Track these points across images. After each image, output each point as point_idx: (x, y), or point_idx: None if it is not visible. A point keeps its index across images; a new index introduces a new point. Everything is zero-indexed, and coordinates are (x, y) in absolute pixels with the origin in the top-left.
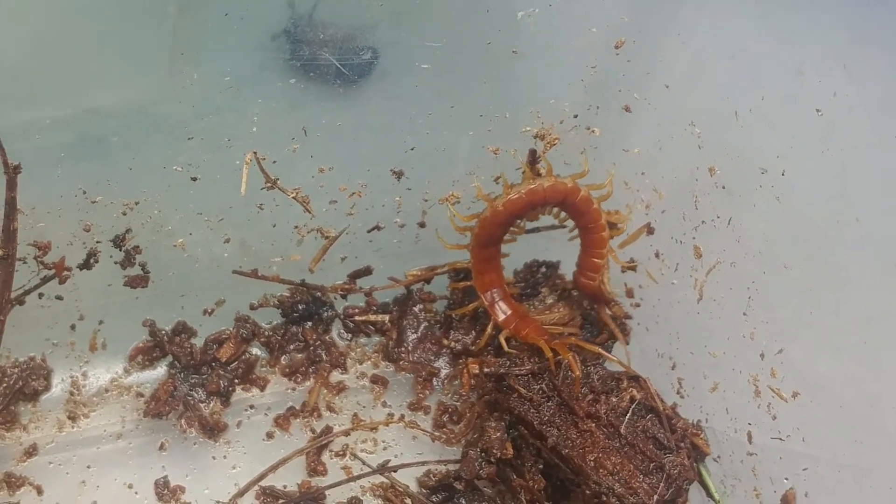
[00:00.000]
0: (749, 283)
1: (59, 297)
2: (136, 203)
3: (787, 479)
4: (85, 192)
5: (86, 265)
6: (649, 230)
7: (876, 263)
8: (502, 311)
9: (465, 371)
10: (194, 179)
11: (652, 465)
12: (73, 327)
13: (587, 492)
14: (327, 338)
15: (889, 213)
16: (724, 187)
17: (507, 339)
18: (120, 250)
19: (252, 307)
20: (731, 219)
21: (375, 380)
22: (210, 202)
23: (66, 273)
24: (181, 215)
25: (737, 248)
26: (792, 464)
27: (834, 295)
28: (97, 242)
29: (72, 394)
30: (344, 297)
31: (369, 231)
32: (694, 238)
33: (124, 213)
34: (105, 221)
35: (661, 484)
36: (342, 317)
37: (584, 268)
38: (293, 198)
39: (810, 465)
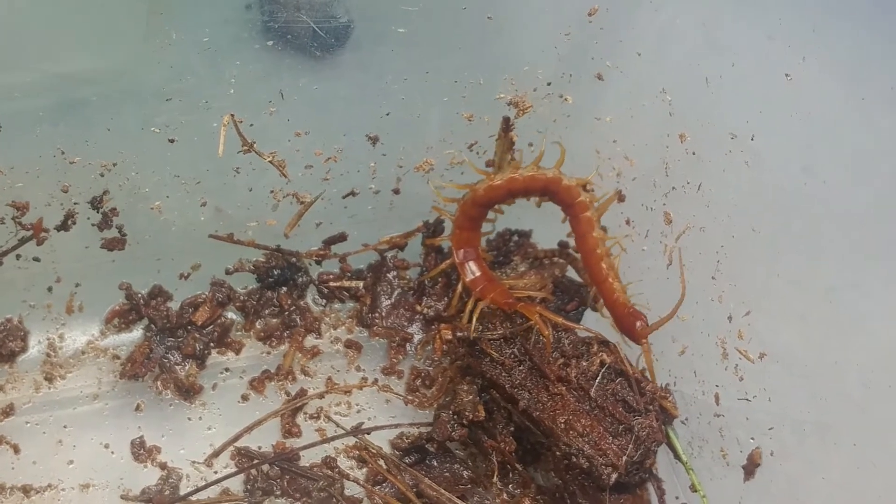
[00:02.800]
0: (718, 247)
1: (36, 259)
2: (114, 164)
3: (753, 438)
4: (63, 153)
5: (63, 227)
6: (620, 197)
7: (842, 227)
8: (471, 272)
9: (437, 336)
10: (171, 141)
11: (621, 427)
12: (49, 289)
13: (557, 453)
14: (302, 303)
15: (856, 177)
16: (694, 153)
17: (477, 306)
18: (97, 212)
19: (227, 272)
20: (701, 184)
21: (349, 344)
22: (187, 165)
23: (43, 234)
24: (158, 178)
25: (706, 213)
26: (758, 424)
27: (801, 258)
28: (75, 204)
29: (48, 355)
30: (318, 262)
31: (344, 197)
32: (664, 204)
33: (102, 175)
34: (83, 183)
35: (630, 445)
36: (317, 282)
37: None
38: (269, 162)
39: (776, 425)
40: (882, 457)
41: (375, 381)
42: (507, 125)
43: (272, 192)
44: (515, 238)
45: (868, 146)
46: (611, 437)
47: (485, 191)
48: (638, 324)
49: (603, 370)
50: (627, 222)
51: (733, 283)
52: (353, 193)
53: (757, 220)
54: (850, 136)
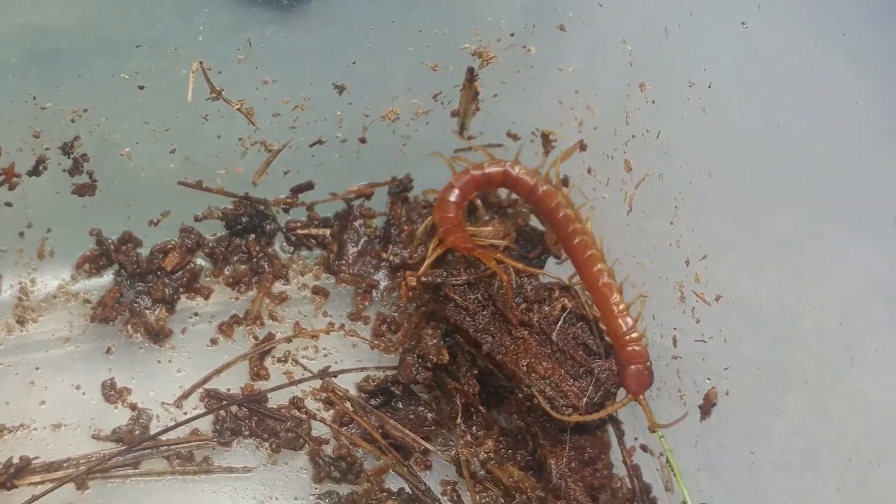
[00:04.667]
0: (676, 193)
1: (8, 204)
2: (85, 111)
3: (709, 379)
4: (35, 99)
5: (35, 172)
6: (582, 147)
7: (799, 175)
8: (446, 209)
9: (403, 283)
10: (141, 88)
11: (581, 369)
12: (21, 234)
13: (520, 395)
14: (270, 250)
15: (812, 125)
16: (653, 102)
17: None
18: (68, 158)
19: (196, 219)
20: (660, 132)
21: (317, 291)
22: (156, 112)
23: (15, 179)
24: (128, 124)
25: (665, 160)
26: (714, 365)
27: (757, 204)
28: (46, 150)
29: (20, 299)
30: (286, 210)
31: (311, 145)
32: (625, 153)
33: (73, 121)
34: (54, 129)
35: (591, 387)
36: (284, 230)
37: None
38: (237, 109)
39: (732, 366)
40: (833, 395)
41: (342, 327)
42: (471, 76)
43: (240, 139)
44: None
45: (824, 94)
46: (572, 380)
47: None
48: (633, 368)
49: (564, 315)
50: (589, 171)
51: (691, 229)
52: (320, 142)
53: (714, 166)
54: (806, 83)
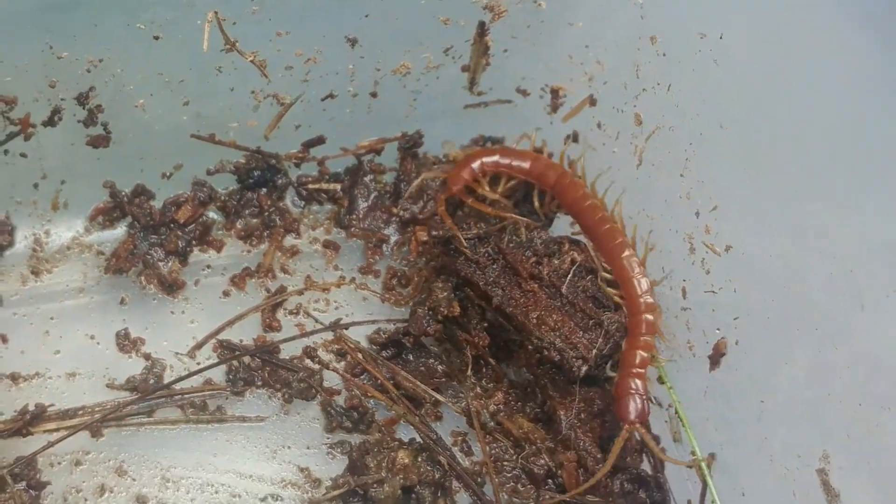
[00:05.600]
0: (686, 145)
1: (23, 155)
2: (100, 61)
3: (718, 329)
4: (51, 48)
5: (50, 122)
6: (592, 101)
7: (807, 122)
8: (462, 171)
9: (413, 238)
10: (156, 38)
11: (591, 321)
12: (35, 186)
13: (529, 347)
14: (281, 204)
15: (824, 73)
16: (664, 55)
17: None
18: (83, 108)
19: (209, 172)
20: (671, 85)
21: (327, 245)
22: (171, 63)
23: (30, 130)
24: (142, 76)
25: (675, 112)
26: (723, 315)
27: (768, 154)
28: (61, 100)
29: (35, 250)
30: (297, 165)
31: (323, 99)
32: (635, 106)
33: (88, 71)
34: (70, 79)
35: (600, 339)
36: (295, 184)
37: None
38: (251, 61)
39: (741, 315)
40: (843, 343)
41: (353, 280)
42: (481, 30)
43: (253, 92)
44: (489, 145)
45: (836, 44)
46: (581, 332)
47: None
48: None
49: (574, 268)
50: (598, 126)
51: (701, 181)
52: (331, 96)
53: (725, 117)
54: (819, 34)
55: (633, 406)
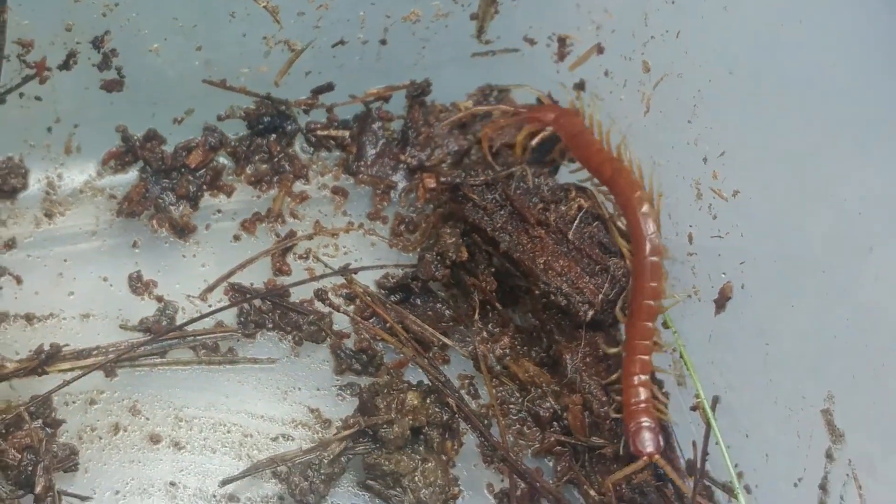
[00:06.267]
0: (695, 92)
1: (38, 98)
2: (116, 4)
3: (724, 274)
4: None
5: (65, 66)
6: (599, 50)
7: (816, 67)
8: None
9: (420, 185)
10: None
11: (597, 267)
12: (49, 130)
13: (536, 292)
14: (290, 150)
15: (830, 16)
16: (673, 2)
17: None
18: (98, 52)
19: (219, 118)
20: (680, 32)
21: (336, 191)
22: (185, 8)
23: (46, 73)
24: (157, 19)
25: (684, 59)
26: (730, 260)
27: (775, 98)
28: (77, 43)
29: (48, 193)
30: (307, 112)
31: (333, 46)
32: (643, 54)
33: (104, 15)
34: (85, 22)
35: (606, 284)
36: (305, 131)
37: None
38: (263, 7)
39: (748, 259)
40: (852, 284)
41: (361, 226)
42: None
43: (265, 38)
44: (495, 94)
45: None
46: (587, 277)
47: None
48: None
49: (580, 214)
50: (606, 74)
51: (709, 127)
52: (342, 42)
53: (733, 63)
54: None
55: (649, 438)
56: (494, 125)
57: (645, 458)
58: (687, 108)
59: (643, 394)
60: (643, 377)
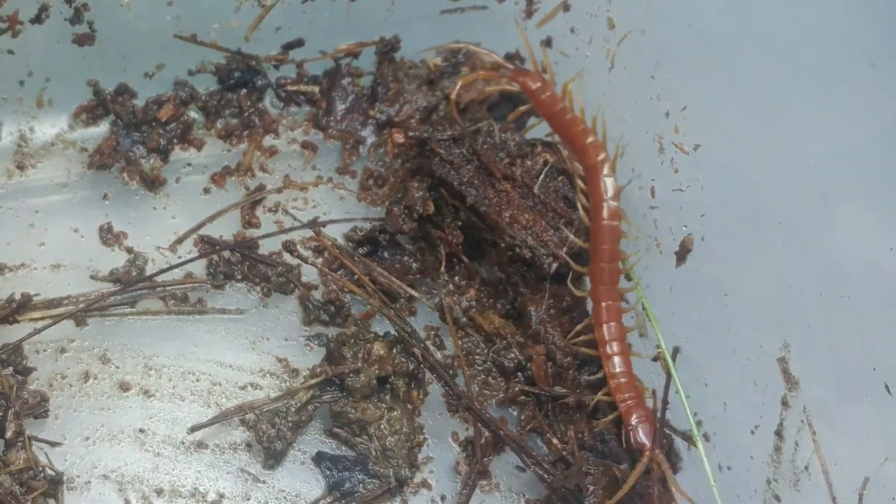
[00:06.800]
0: (658, 48)
1: (10, 52)
2: None
3: (685, 226)
4: None
5: (37, 20)
6: (566, 7)
7: (777, 19)
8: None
9: (389, 140)
10: None
11: (562, 220)
12: (21, 83)
13: (502, 245)
14: (260, 105)
15: None
16: None
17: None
18: (70, 6)
19: (190, 73)
20: None
21: (305, 145)
22: None
23: (18, 27)
24: None
25: (647, 16)
26: (690, 212)
27: (737, 52)
28: None
29: (20, 146)
30: (277, 67)
31: (303, 2)
32: (608, 11)
33: None
34: None
35: (570, 237)
36: (274, 86)
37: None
38: None
39: (707, 212)
40: (808, 234)
41: (330, 180)
42: None
43: None
44: (464, 50)
45: None
46: (552, 230)
47: None
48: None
49: (546, 169)
50: (572, 30)
51: (671, 82)
52: None
53: (696, 19)
54: None
55: (645, 433)
56: (468, 79)
57: (647, 453)
58: (650, 64)
59: (619, 364)
60: (616, 345)
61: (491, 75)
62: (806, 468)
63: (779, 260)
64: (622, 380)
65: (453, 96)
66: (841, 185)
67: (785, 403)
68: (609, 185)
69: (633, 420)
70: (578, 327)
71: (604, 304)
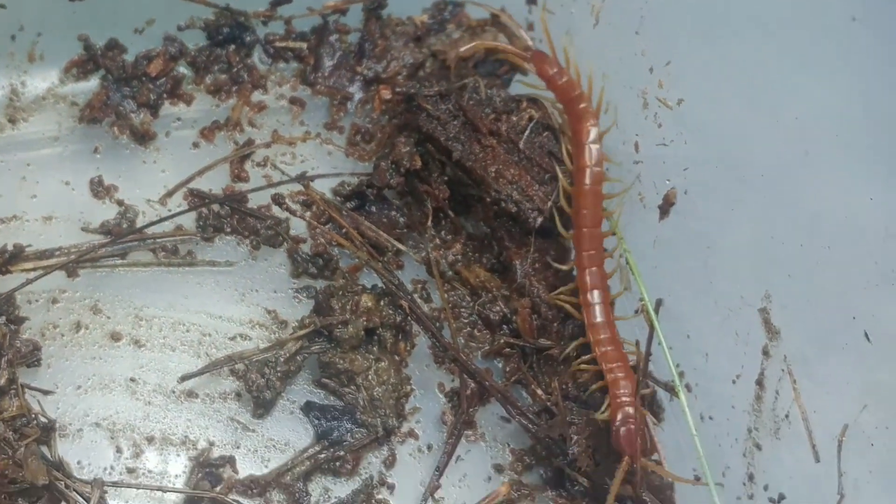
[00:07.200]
0: (642, 3)
1: (2, 6)
2: None
3: (668, 180)
4: None
5: None
6: None
7: None
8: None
9: (376, 96)
10: None
11: (547, 175)
12: (13, 38)
13: (488, 200)
14: (249, 61)
15: None
16: None
17: None
18: None
19: (179, 28)
20: None
21: (294, 101)
22: None
23: None
24: None
25: None
26: (674, 166)
27: (720, 8)
28: None
29: (11, 100)
30: (265, 23)
31: None
32: None
33: None
34: None
35: (555, 192)
36: (263, 42)
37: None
38: None
39: (691, 166)
40: (790, 186)
41: (318, 135)
42: None
43: None
44: (450, 8)
45: None
46: (537, 185)
47: None
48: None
49: (531, 124)
50: None
51: (655, 37)
52: None
53: None
54: None
55: (628, 435)
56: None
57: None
58: (634, 20)
59: (603, 330)
60: (599, 309)
61: (509, 50)
62: (786, 416)
63: (761, 212)
64: (608, 348)
65: (463, 52)
66: (822, 138)
67: (766, 353)
68: (595, 150)
69: (618, 422)
70: (563, 288)
71: (588, 270)
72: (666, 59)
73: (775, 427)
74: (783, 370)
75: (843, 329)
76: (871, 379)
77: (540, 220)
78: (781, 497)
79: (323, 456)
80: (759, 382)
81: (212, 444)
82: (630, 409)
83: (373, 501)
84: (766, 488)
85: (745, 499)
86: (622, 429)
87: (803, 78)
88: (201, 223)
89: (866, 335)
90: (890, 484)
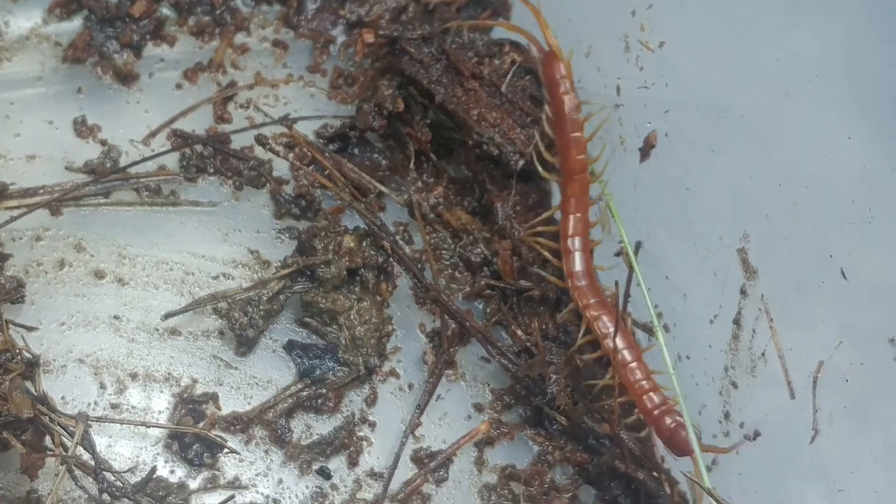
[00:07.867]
0: None
1: None
2: None
3: (649, 123)
4: None
5: None
6: None
7: None
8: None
9: (359, 40)
10: None
11: (529, 119)
12: None
13: (470, 143)
14: (232, 3)
15: None
16: None
17: None
18: None
19: None
20: None
21: (277, 43)
22: None
23: None
24: None
25: None
26: (655, 109)
27: None
28: None
29: None
30: None
31: None
32: None
33: None
34: None
35: (537, 135)
36: None
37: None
38: None
39: (671, 108)
40: (769, 127)
41: (301, 78)
42: None
43: None
44: None
45: None
46: (519, 128)
47: None
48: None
49: (514, 68)
50: None
51: None
52: None
53: None
54: None
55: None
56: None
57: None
58: None
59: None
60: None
61: (527, 37)
62: (762, 355)
63: (740, 153)
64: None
65: None
66: (802, 80)
67: (743, 293)
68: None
69: (669, 426)
70: (537, 220)
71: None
72: (648, 2)
73: (751, 365)
74: (760, 309)
75: (820, 268)
76: (847, 316)
77: (521, 162)
78: (757, 434)
79: (305, 393)
80: (737, 322)
81: (195, 380)
82: (677, 416)
83: (354, 438)
84: (741, 426)
85: (721, 436)
86: (680, 433)
87: (784, 20)
88: (184, 163)
89: (843, 273)
90: (863, 419)
